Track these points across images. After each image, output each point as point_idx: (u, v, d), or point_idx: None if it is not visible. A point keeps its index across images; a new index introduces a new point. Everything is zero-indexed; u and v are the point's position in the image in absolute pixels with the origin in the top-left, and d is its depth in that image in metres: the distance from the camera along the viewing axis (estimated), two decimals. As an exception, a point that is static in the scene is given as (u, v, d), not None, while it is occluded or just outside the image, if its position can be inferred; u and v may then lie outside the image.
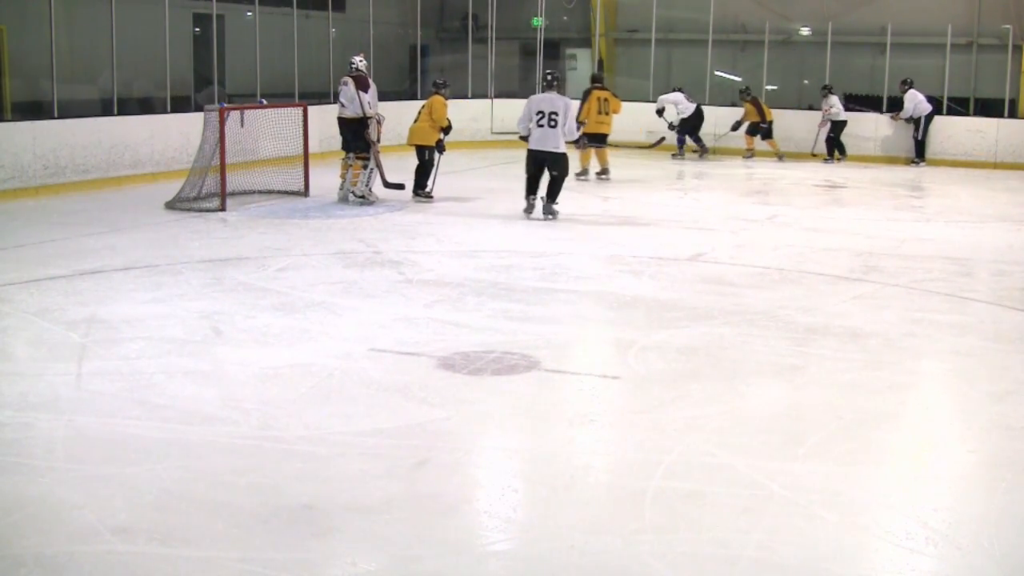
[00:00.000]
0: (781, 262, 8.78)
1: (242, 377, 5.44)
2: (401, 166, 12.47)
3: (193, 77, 15.58)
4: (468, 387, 5.36)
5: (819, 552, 3.66)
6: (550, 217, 10.78)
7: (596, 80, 14.73)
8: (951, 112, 17.38)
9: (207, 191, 11.09)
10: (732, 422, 4.94)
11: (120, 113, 13.19)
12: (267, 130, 12.06)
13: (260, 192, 11.86)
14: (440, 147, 11.93)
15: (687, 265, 8.62)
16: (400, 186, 11.81)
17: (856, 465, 4.46)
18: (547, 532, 3.79)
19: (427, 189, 11.97)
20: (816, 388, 5.49)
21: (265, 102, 12.89)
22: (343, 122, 11.74)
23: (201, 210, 10.82)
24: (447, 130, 11.98)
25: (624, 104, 14.68)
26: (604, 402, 5.33)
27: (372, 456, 4.42)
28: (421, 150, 11.95)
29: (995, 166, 16.69)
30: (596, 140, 14.07)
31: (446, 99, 12.04)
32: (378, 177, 11.75)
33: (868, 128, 17.56)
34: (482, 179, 14.24)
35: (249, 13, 16.14)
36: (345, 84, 11.65)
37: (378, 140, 11.74)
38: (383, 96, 12.98)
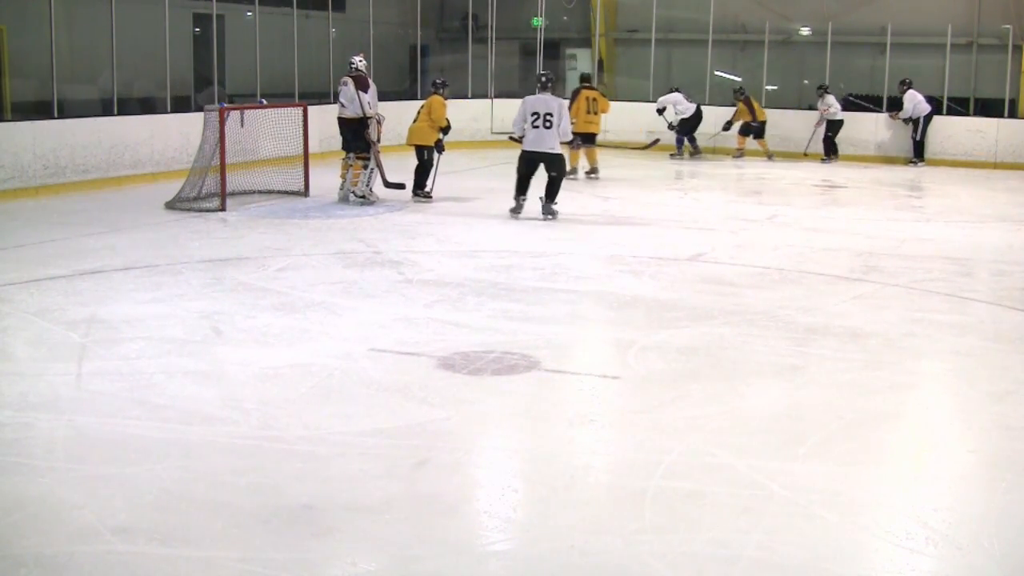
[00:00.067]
0: (781, 262, 8.78)
1: (242, 377, 5.44)
2: (401, 166, 12.47)
3: (193, 77, 15.58)
4: (468, 387, 5.36)
5: (819, 552, 3.66)
6: (550, 217, 10.78)
7: (585, 80, 14.92)
8: (951, 112, 17.38)
9: (207, 191, 11.09)
10: (732, 422, 4.93)
11: (120, 113, 13.19)
12: (267, 130, 12.06)
13: (260, 192, 11.86)
14: (439, 147, 11.93)
15: (687, 265, 8.62)
16: (400, 186, 11.81)
17: (856, 465, 4.46)
18: (547, 532, 3.79)
19: (427, 189, 11.97)
20: (816, 388, 5.49)
21: (265, 102, 12.90)
22: (343, 122, 11.74)
23: (201, 210, 10.82)
24: (446, 130, 11.99)
25: (624, 104, 14.69)
26: (604, 402, 5.33)
27: (372, 456, 4.42)
28: (420, 150, 11.95)
29: (995, 166, 16.69)
30: (584, 140, 14.14)
31: (445, 99, 12.04)
32: (378, 177, 11.76)
33: (867, 128, 17.56)
34: (482, 179, 14.24)
35: (249, 13, 16.14)
36: (345, 84, 11.65)
37: (378, 140, 11.75)
38: (383, 96, 12.98)
